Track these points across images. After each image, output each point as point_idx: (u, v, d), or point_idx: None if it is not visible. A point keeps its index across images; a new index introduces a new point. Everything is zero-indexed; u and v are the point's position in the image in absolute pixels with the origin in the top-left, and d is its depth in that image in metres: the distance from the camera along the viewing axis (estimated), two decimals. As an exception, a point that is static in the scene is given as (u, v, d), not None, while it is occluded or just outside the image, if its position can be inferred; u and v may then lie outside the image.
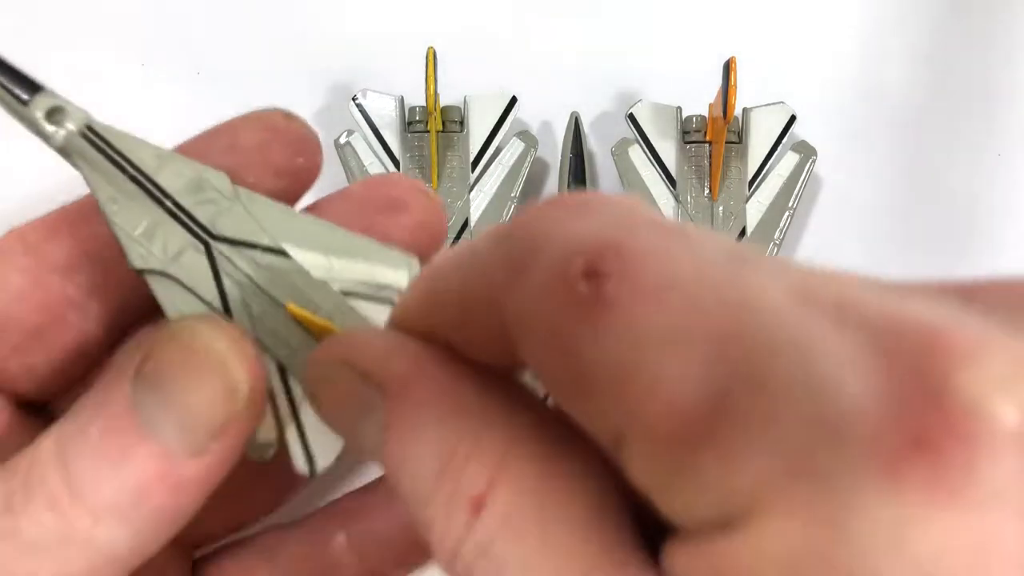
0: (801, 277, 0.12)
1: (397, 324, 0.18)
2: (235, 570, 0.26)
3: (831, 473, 0.10)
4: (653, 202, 0.43)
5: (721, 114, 0.40)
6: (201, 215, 0.21)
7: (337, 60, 0.46)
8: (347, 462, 0.21)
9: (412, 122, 0.44)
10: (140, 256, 0.21)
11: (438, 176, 0.43)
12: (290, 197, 0.24)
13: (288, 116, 0.24)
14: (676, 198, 0.43)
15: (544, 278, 0.13)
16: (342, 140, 0.44)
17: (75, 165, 0.21)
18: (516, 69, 0.46)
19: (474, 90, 0.44)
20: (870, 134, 0.46)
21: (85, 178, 0.21)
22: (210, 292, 0.21)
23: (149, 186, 0.21)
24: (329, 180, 0.45)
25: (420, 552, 0.25)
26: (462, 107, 0.44)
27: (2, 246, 0.22)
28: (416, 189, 0.25)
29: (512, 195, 0.44)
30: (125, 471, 0.18)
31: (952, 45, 0.47)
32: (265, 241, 0.21)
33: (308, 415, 0.20)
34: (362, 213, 0.25)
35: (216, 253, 0.21)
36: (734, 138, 0.43)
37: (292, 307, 0.21)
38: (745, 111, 0.43)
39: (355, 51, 0.46)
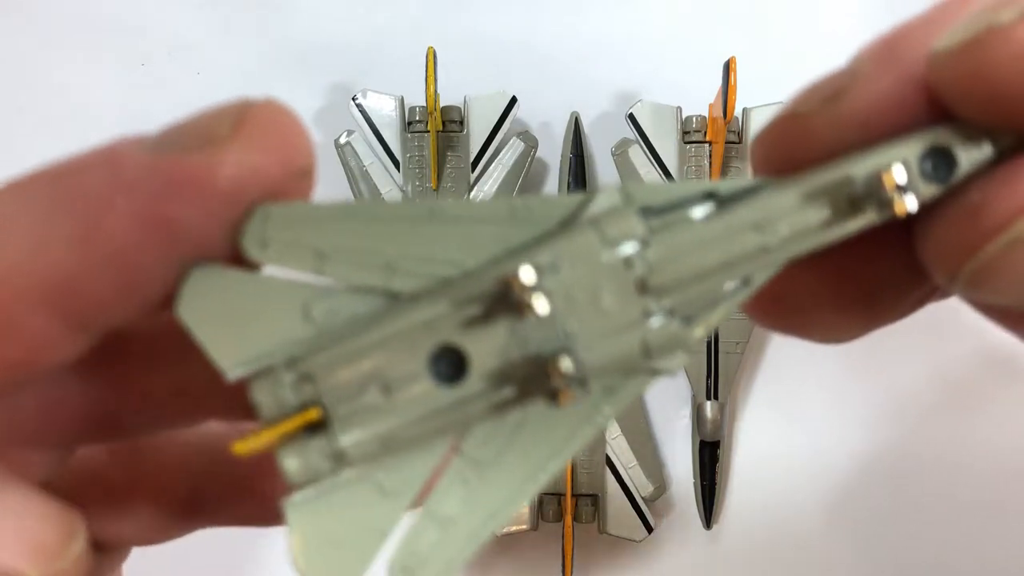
0: None
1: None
2: None
3: None
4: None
5: (721, 114, 0.40)
6: None
7: (337, 60, 0.46)
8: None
9: (412, 122, 0.44)
10: None
11: (438, 176, 0.43)
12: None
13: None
14: (676, 198, 0.43)
15: None
16: (342, 140, 0.44)
17: None
18: (516, 69, 0.46)
19: (474, 90, 0.44)
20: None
21: None
22: None
23: None
24: (329, 180, 0.45)
25: None
26: (462, 107, 0.44)
27: None
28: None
29: (512, 195, 0.44)
30: None
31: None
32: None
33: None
34: None
35: None
36: (734, 138, 0.43)
37: None
38: (745, 111, 0.43)
39: (355, 51, 0.46)
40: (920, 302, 0.16)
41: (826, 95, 0.14)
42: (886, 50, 0.14)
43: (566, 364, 0.13)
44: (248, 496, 0.19)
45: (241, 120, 0.13)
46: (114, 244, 0.13)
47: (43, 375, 0.14)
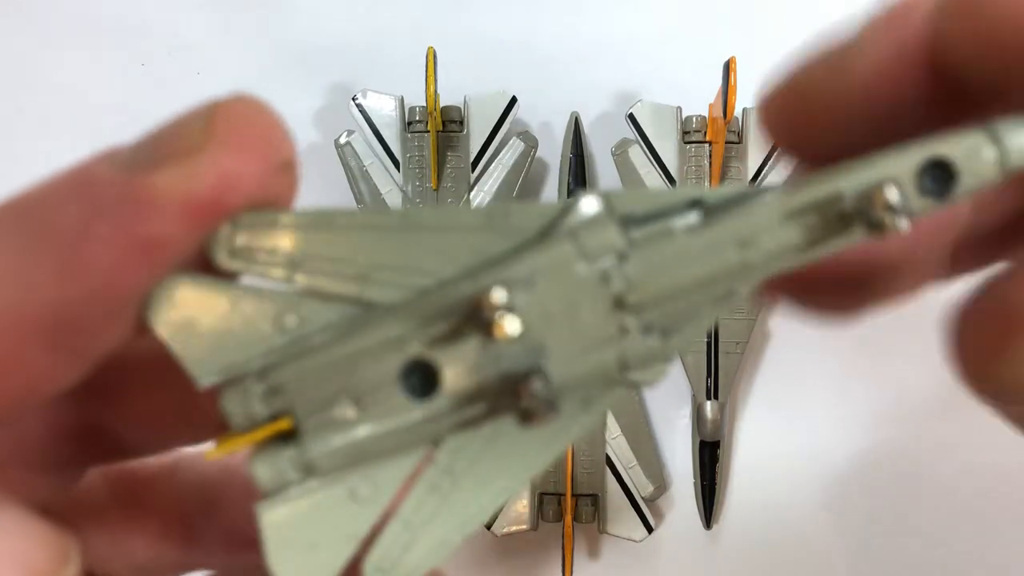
0: None
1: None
2: None
3: None
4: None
5: (721, 114, 0.40)
6: None
7: (337, 60, 0.46)
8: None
9: (412, 122, 0.44)
10: None
11: (438, 176, 0.43)
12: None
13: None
14: (677, 198, 0.43)
15: None
16: (342, 140, 0.44)
17: None
18: (516, 69, 0.46)
19: (474, 90, 0.44)
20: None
21: None
22: None
23: None
24: (329, 180, 0.45)
25: None
26: (462, 107, 0.44)
27: None
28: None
29: (512, 195, 0.44)
30: None
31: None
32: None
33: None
34: None
35: None
36: (734, 138, 0.43)
37: None
38: (745, 111, 0.43)
39: (355, 51, 0.46)
40: (916, 286, 0.16)
41: (832, 63, 0.14)
42: (896, 12, 0.13)
43: (537, 386, 0.13)
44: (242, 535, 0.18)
45: (212, 123, 0.12)
46: (97, 273, 0.12)
47: (46, 403, 0.14)
